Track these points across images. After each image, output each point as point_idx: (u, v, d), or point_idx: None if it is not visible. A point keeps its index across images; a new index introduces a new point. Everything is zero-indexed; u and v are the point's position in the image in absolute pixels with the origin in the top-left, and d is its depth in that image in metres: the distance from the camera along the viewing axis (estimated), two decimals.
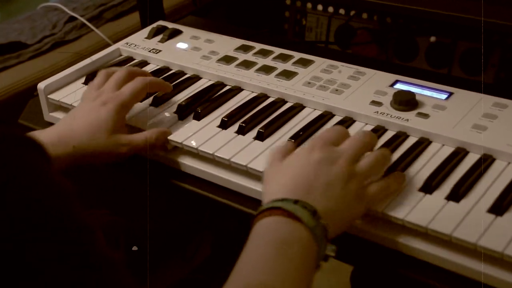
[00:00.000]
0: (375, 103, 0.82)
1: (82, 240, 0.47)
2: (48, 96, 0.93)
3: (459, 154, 0.73)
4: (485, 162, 0.72)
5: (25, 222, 0.44)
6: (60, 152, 0.76)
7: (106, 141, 0.77)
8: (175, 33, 1.04)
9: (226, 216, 1.29)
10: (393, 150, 0.75)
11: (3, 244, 0.42)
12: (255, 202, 0.75)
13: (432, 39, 1.04)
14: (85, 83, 0.95)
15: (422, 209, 0.66)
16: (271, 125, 0.81)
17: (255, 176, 0.75)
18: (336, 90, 0.86)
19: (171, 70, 0.97)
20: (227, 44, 0.99)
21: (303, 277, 0.58)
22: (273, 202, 0.61)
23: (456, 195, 0.67)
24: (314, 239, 0.59)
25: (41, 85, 0.93)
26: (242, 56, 0.95)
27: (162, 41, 1.03)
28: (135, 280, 0.50)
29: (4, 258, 0.42)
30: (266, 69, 0.91)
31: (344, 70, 0.90)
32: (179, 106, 0.86)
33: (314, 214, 0.60)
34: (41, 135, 0.77)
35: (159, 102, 0.88)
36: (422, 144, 0.76)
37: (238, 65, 0.93)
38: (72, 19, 1.26)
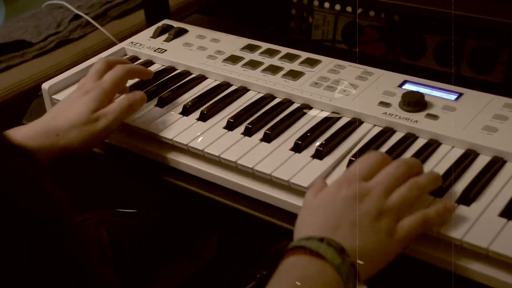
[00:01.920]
0: (383, 104, 0.81)
1: (74, 253, 0.46)
2: (53, 96, 0.92)
3: (469, 156, 0.72)
4: (496, 164, 0.71)
5: (16, 234, 0.43)
6: (45, 143, 0.76)
7: (86, 120, 0.77)
8: (181, 32, 1.03)
9: (232, 216, 1.28)
10: (402, 152, 0.74)
11: None
12: (261, 204, 0.75)
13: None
14: None
15: None
16: (277, 127, 0.80)
17: (262, 178, 0.74)
18: (344, 90, 0.84)
19: (177, 70, 0.96)
20: (233, 43, 0.98)
21: None
22: (299, 240, 0.60)
23: (466, 198, 0.66)
24: (341, 278, 0.57)
25: (45, 86, 0.92)
26: (248, 56, 0.94)
27: (167, 40, 1.02)
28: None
29: None
30: (273, 69, 0.90)
31: (351, 70, 0.89)
32: (185, 106, 0.85)
33: (341, 251, 0.58)
34: (27, 128, 0.78)
35: (164, 102, 0.87)
36: (432, 146, 0.75)
37: (244, 65, 0.92)
38: (77, 17, 1.25)
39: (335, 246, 0.58)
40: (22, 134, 0.76)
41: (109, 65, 0.84)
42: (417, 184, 0.63)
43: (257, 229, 1.28)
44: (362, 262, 0.59)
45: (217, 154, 0.77)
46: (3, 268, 0.42)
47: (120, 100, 0.80)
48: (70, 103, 0.80)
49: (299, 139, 0.77)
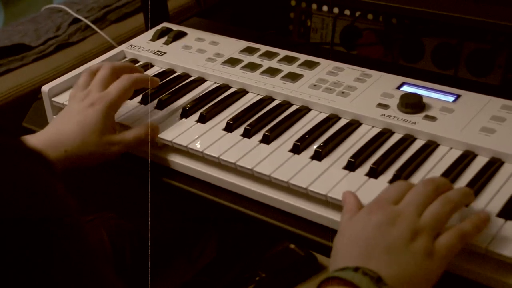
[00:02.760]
0: (381, 105, 0.81)
1: (83, 259, 0.46)
2: (52, 99, 0.92)
3: (467, 157, 0.73)
4: (494, 165, 0.71)
5: (25, 237, 0.43)
6: (52, 156, 0.75)
7: (97, 142, 0.77)
8: (180, 35, 1.03)
9: (232, 218, 1.29)
10: (400, 154, 0.75)
11: (3, 259, 0.42)
12: (260, 206, 0.75)
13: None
14: None
15: None
16: (276, 128, 0.80)
17: (261, 179, 0.74)
18: (342, 92, 0.85)
19: (176, 72, 0.96)
20: (232, 46, 0.99)
21: None
22: (333, 272, 0.57)
23: None
24: None
25: (45, 88, 0.92)
26: (247, 58, 0.95)
27: (166, 43, 1.02)
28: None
29: (5, 273, 0.42)
30: (272, 72, 0.91)
31: (350, 72, 0.89)
32: (184, 109, 0.86)
33: (378, 280, 0.55)
34: (32, 140, 0.76)
35: (163, 105, 0.88)
36: (430, 147, 0.75)
37: (243, 67, 0.93)
38: (76, 21, 1.25)
39: (371, 275, 0.55)
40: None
41: (115, 73, 0.83)
42: (448, 199, 0.61)
43: (256, 231, 1.29)
44: None
45: (216, 156, 0.77)
46: (13, 270, 0.42)
47: (137, 131, 0.79)
48: (77, 116, 0.78)
49: (298, 140, 0.77)
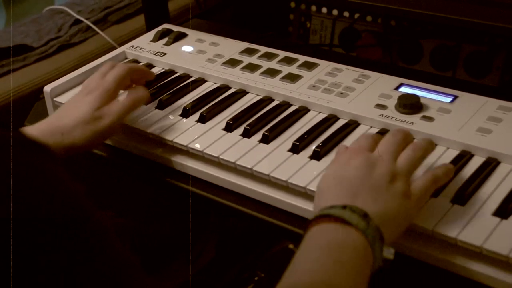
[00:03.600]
0: (379, 106, 0.82)
1: (97, 241, 0.47)
2: (54, 99, 0.93)
3: (464, 157, 0.74)
4: (490, 165, 0.72)
5: (37, 226, 0.44)
6: (50, 143, 0.76)
7: (89, 119, 0.78)
8: (180, 36, 1.04)
9: (231, 218, 1.29)
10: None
11: (16, 249, 0.43)
12: (260, 205, 0.76)
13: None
14: None
15: (427, 213, 0.66)
16: (276, 128, 0.81)
17: (260, 178, 0.75)
18: (341, 93, 0.86)
19: (176, 73, 0.97)
20: (232, 47, 1.00)
21: (358, 280, 0.57)
22: (321, 210, 0.61)
23: (461, 198, 0.67)
24: (367, 241, 0.58)
25: (47, 88, 0.93)
26: (247, 59, 0.96)
27: (167, 44, 1.03)
28: (152, 279, 0.50)
29: (18, 263, 0.43)
30: (271, 72, 0.92)
31: (348, 73, 0.90)
32: (184, 109, 0.87)
33: (365, 216, 0.59)
34: (32, 128, 0.79)
35: (164, 105, 0.89)
36: None
37: (243, 68, 0.94)
38: (77, 22, 1.26)
39: (358, 212, 0.59)
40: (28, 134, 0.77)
41: (112, 67, 0.85)
42: (418, 145, 0.67)
43: (256, 231, 1.29)
44: (386, 226, 0.60)
45: (216, 155, 0.78)
46: (26, 259, 0.43)
47: (123, 98, 0.81)
48: (74, 103, 0.81)
49: (297, 140, 0.78)
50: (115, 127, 0.80)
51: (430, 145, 0.69)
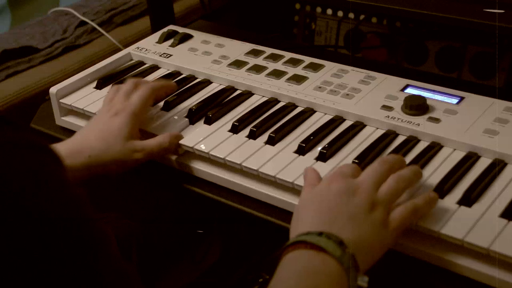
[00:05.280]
0: (386, 107, 0.82)
1: (95, 246, 0.47)
2: (60, 100, 0.93)
3: (470, 159, 0.73)
4: (497, 166, 0.72)
5: (38, 228, 0.44)
6: (76, 163, 0.77)
7: (121, 148, 0.78)
8: (186, 37, 1.04)
9: (236, 220, 1.29)
10: (404, 155, 0.75)
11: (16, 250, 0.43)
12: (265, 206, 0.76)
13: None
14: (97, 87, 0.95)
15: (434, 214, 0.66)
16: (282, 130, 0.81)
17: (266, 180, 0.75)
18: (347, 94, 0.86)
19: (182, 74, 0.97)
20: (238, 48, 1.00)
21: None
22: (297, 236, 0.61)
23: (468, 199, 0.67)
24: (343, 269, 0.58)
25: (53, 90, 0.93)
26: (252, 61, 0.96)
27: (173, 45, 1.03)
28: None
29: (18, 264, 0.43)
30: (277, 74, 0.92)
31: (354, 75, 0.90)
32: (190, 110, 0.87)
33: (340, 244, 0.59)
34: (57, 147, 0.78)
35: (170, 106, 0.89)
36: (434, 148, 0.76)
37: (248, 69, 0.94)
38: (82, 23, 1.26)
39: (334, 239, 0.59)
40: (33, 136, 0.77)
41: (137, 85, 0.85)
42: (402, 177, 0.66)
43: (260, 233, 1.29)
44: (362, 254, 0.60)
45: (222, 157, 0.78)
46: (25, 262, 0.43)
47: (159, 139, 0.80)
48: (101, 124, 0.80)
49: (303, 141, 0.78)
50: (143, 161, 0.80)
51: (415, 176, 0.68)
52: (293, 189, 0.73)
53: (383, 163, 0.67)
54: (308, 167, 0.71)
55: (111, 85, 0.92)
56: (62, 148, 0.78)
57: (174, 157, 0.82)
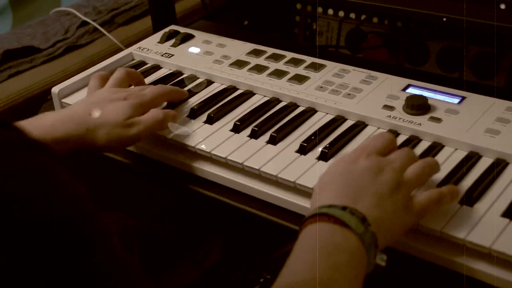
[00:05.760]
0: (387, 107, 0.82)
1: (97, 244, 0.47)
2: (62, 100, 0.93)
3: (472, 158, 0.74)
4: (498, 166, 0.72)
5: (35, 226, 0.43)
6: (72, 133, 0.76)
7: (117, 123, 0.77)
8: (187, 37, 1.05)
9: (237, 219, 1.29)
10: None
11: (16, 251, 0.43)
12: (267, 205, 0.76)
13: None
14: None
15: (435, 214, 0.66)
16: (283, 129, 0.81)
17: (268, 179, 0.75)
18: (348, 94, 0.86)
19: (184, 74, 0.98)
20: (239, 48, 1.00)
21: (353, 283, 0.57)
22: (320, 208, 0.60)
23: (469, 199, 0.67)
24: (363, 246, 0.58)
25: (55, 89, 0.94)
26: (254, 61, 0.96)
27: (174, 45, 1.03)
28: (152, 283, 0.50)
29: (18, 265, 0.43)
30: (278, 74, 0.92)
31: (356, 75, 0.90)
32: (192, 110, 0.87)
33: (363, 220, 0.59)
34: (51, 116, 0.78)
35: (172, 106, 0.89)
36: (435, 148, 0.76)
37: (250, 69, 0.94)
38: (84, 24, 1.27)
39: (357, 215, 0.59)
40: (48, 122, 0.76)
41: (129, 75, 0.86)
42: (429, 163, 0.67)
43: (262, 232, 1.29)
44: (382, 233, 0.60)
45: (224, 156, 0.78)
46: (26, 262, 0.43)
47: (155, 112, 0.81)
48: (106, 103, 0.79)
49: (304, 141, 0.78)
50: (140, 137, 0.80)
51: (437, 166, 0.68)
52: (295, 189, 0.73)
53: (409, 150, 0.68)
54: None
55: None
56: (58, 117, 0.78)
57: (176, 157, 0.82)
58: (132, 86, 0.88)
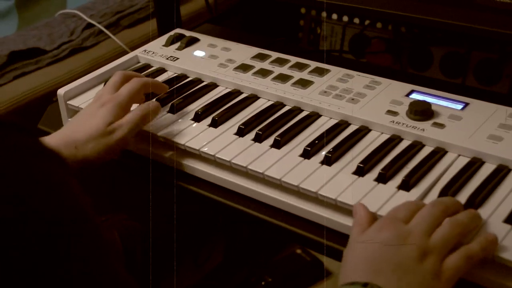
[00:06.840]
0: (391, 112, 0.83)
1: (96, 256, 0.47)
2: (68, 102, 0.94)
3: (474, 164, 0.74)
4: (501, 172, 0.72)
5: (43, 234, 0.44)
6: (65, 154, 0.77)
7: (101, 132, 0.78)
8: (193, 41, 1.05)
9: (239, 222, 1.30)
10: (409, 160, 0.76)
11: (20, 258, 0.43)
12: (270, 209, 0.76)
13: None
14: None
15: None
16: (287, 133, 0.81)
17: (272, 183, 0.76)
18: (352, 99, 0.86)
19: (189, 77, 0.98)
20: (244, 52, 1.00)
21: None
22: (342, 286, 0.59)
23: (472, 205, 0.68)
24: None
25: (60, 91, 0.94)
26: (258, 65, 0.96)
27: (179, 49, 1.04)
28: None
29: (21, 272, 0.43)
30: (283, 78, 0.92)
31: (360, 80, 0.90)
32: (196, 113, 0.87)
33: None
34: (47, 140, 0.79)
35: (176, 109, 0.89)
36: (438, 154, 0.76)
37: (254, 73, 0.94)
38: (89, 26, 1.27)
39: None
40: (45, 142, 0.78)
41: (126, 78, 0.86)
42: (457, 222, 0.62)
43: (263, 236, 1.30)
44: None
45: (228, 159, 0.78)
46: (28, 268, 0.43)
47: (134, 111, 0.82)
48: (88, 116, 0.81)
49: (308, 145, 0.79)
50: (127, 140, 0.81)
51: (472, 222, 0.63)
52: (299, 193, 0.74)
53: (438, 204, 0.64)
54: (359, 204, 0.67)
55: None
56: (51, 140, 0.79)
57: (178, 159, 0.83)
58: (107, 85, 0.87)
